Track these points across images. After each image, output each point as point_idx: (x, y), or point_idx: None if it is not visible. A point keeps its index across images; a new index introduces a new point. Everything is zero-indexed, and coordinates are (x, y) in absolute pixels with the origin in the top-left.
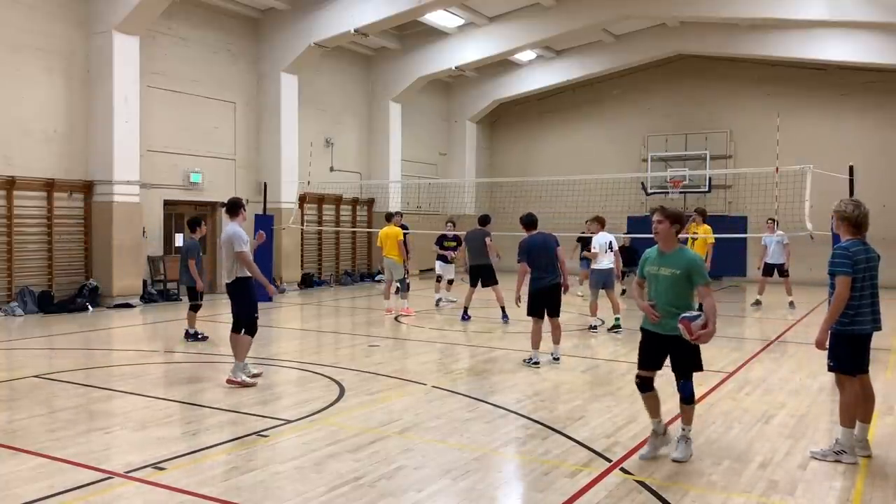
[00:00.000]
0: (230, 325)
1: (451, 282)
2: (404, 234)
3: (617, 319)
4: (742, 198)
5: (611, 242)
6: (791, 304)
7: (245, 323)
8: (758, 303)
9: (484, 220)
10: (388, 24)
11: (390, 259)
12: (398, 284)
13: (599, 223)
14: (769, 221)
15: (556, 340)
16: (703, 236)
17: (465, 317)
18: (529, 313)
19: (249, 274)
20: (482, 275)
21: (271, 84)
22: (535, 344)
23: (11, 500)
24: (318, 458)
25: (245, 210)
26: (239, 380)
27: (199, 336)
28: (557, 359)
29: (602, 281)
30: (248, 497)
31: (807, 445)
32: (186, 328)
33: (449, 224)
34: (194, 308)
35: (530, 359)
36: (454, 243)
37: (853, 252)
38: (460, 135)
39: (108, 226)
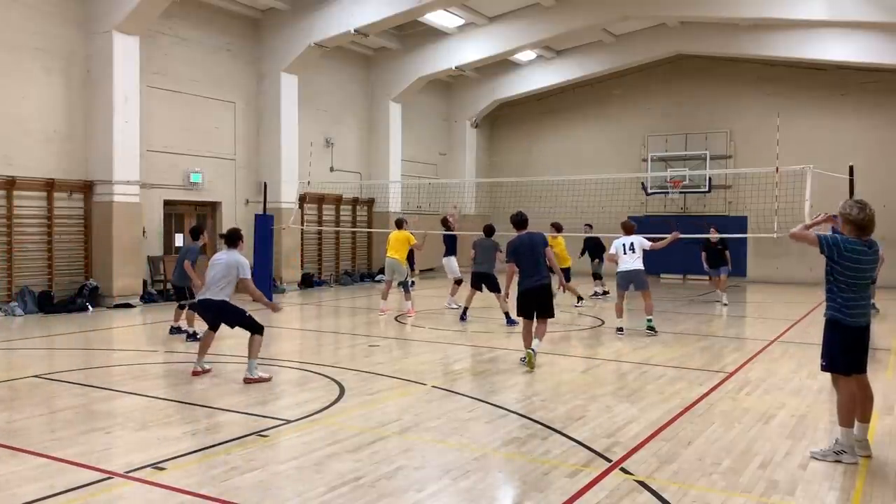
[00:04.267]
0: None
1: (459, 282)
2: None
3: (650, 321)
4: (742, 198)
5: (632, 244)
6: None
7: (254, 323)
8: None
9: (490, 230)
10: (388, 24)
11: (394, 260)
12: (402, 286)
13: (624, 229)
14: None
15: (539, 336)
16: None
17: (464, 317)
18: (518, 313)
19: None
20: (485, 282)
21: (271, 84)
22: (527, 343)
23: (11, 500)
24: (318, 458)
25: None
26: (256, 377)
27: (189, 334)
28: (531, 351)
29: (627, 282)
30: (248, 497)
31: (807, 445)
32: (179, 324)
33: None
34: (182, 306)
35: (524, 358)
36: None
37: (845, 246)
38: (460, 135)
39: (108, 226)
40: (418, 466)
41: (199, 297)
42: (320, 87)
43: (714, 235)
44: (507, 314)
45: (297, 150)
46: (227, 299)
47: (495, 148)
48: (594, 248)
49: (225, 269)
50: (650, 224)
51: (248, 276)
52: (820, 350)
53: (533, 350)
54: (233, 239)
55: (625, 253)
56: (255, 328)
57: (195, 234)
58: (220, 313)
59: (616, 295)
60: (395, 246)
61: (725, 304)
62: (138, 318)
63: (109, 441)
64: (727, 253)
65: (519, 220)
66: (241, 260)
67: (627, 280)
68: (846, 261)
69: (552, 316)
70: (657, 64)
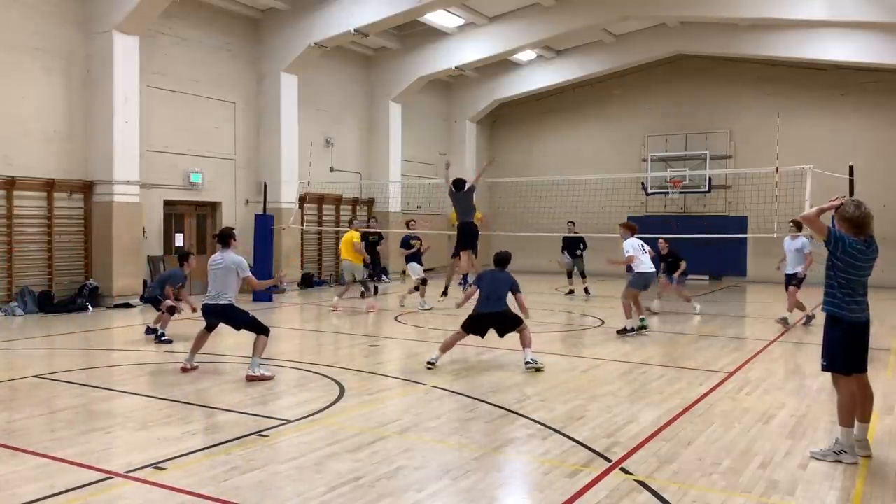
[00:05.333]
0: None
1: (425, 282)
2: (378, 240)
3: (642, 320)
4: (742, 198)
5: (642, 245)
6: (784, 319)
7: (259, 325)
8: (785, 321)
9: (459, 183)
10: (388, 24)
11: (348, 262)
12: (362, 285)
13: (629, 229)
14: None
15: (526, 343)
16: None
17: (465, 282)
18: (462, 326)
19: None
20: (469, 233)
21: (271, 84)
22: (445, 348)
23: (11, 500)
24: (318, 458)
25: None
26: (258, 374)
27: (159, 335)
28: (532, 361)
29: (646, 284)
30: (248, 497)
31: (807, 445)
32: (157, 326)
33: (412, 222)
34: (171, 311)
35: (428, 360)
36: (419, 242)
37: (849, 243)
38: (460, 135)
39: (108, 226)
40: (418, 466)
41: (203, 301)
42: (320, 87)
43: (663, 245)
44: (465, 276)
45: (297, 150)
46: (233, 302)
47: (495, 148)
48: (575, 246)
49: (225, 272)
50: (650, 224)
51: (249, 273)
52: (820, 350)
53: (531, 361)
54: (225, 238)
55: (643, 254)
56: (261, 329)
57: (181, 261)
58: (224, 317)
59: (629, 295)
60: (346, 248)
61: (649, 316)
62: (138, 318)
63: (109, 441)
64: (682, 264)
65: (497, 259)
66: (238, 260)
67: (647, 281)
68: (848, 257)
69: (520, 322)
70: (657, 64)
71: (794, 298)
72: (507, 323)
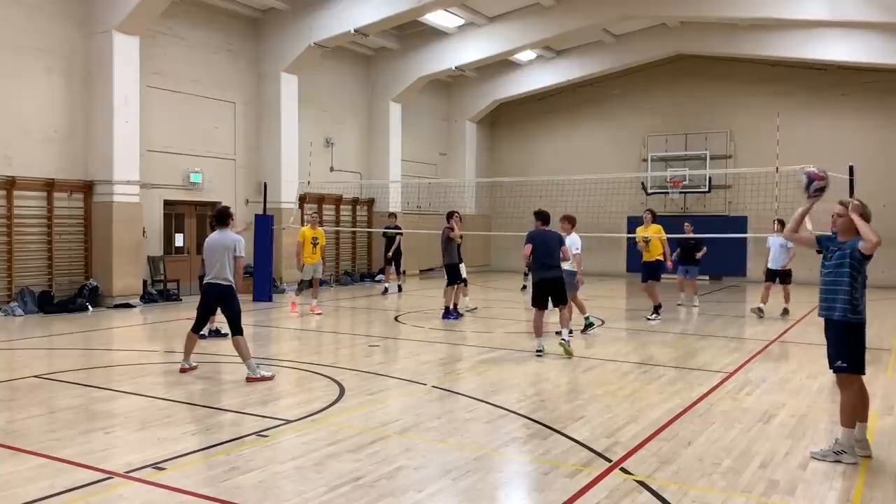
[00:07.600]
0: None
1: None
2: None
3: (587, 319)
4: (742, 198)
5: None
6: (784, 311)
7: (240, 322)
8: (760, 311)
9: (450, 214)
10: (388, 24)
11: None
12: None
13: (570, 222)
14: (775, 222)
15: (564, 323)
16: (655, 236)
17: (455, 315)
18: (532, 304)
19: (232, 282)
20: (448, 272)
21: (271, 84)
22: (538, 332)
23: (11, 500)
24: (318, 458)
25: (233, 219)
26: (258, 376)
27: (212, 330)
28: (566, 340)
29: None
30: (248, 497)
31: (807, 445)
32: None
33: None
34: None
35: (536, 349)
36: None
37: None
38: (460, 135)
39: (108, 226)
40: (418, 466)
41: (205, 280)
42: (320, 87)
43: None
44: (447, 308)
45: (297, 150)
46: (233, 284)
47: (495, 148)
48: None
49: (224, 252)
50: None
51: (243, 254)
52: (825, 351)
53: (566, 340)
54: (222, 218)
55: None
56: (238, 329)
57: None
58: (223, 299)
59: (574, 297)
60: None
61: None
62: (138, 318)
63: (109, 441)
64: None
65: (539, 214)
66: (235, 237)
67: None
68: (862, 257)
69: (566, 302)
70: (657, 64)
71: (787, 291)
72: (559, 293)
